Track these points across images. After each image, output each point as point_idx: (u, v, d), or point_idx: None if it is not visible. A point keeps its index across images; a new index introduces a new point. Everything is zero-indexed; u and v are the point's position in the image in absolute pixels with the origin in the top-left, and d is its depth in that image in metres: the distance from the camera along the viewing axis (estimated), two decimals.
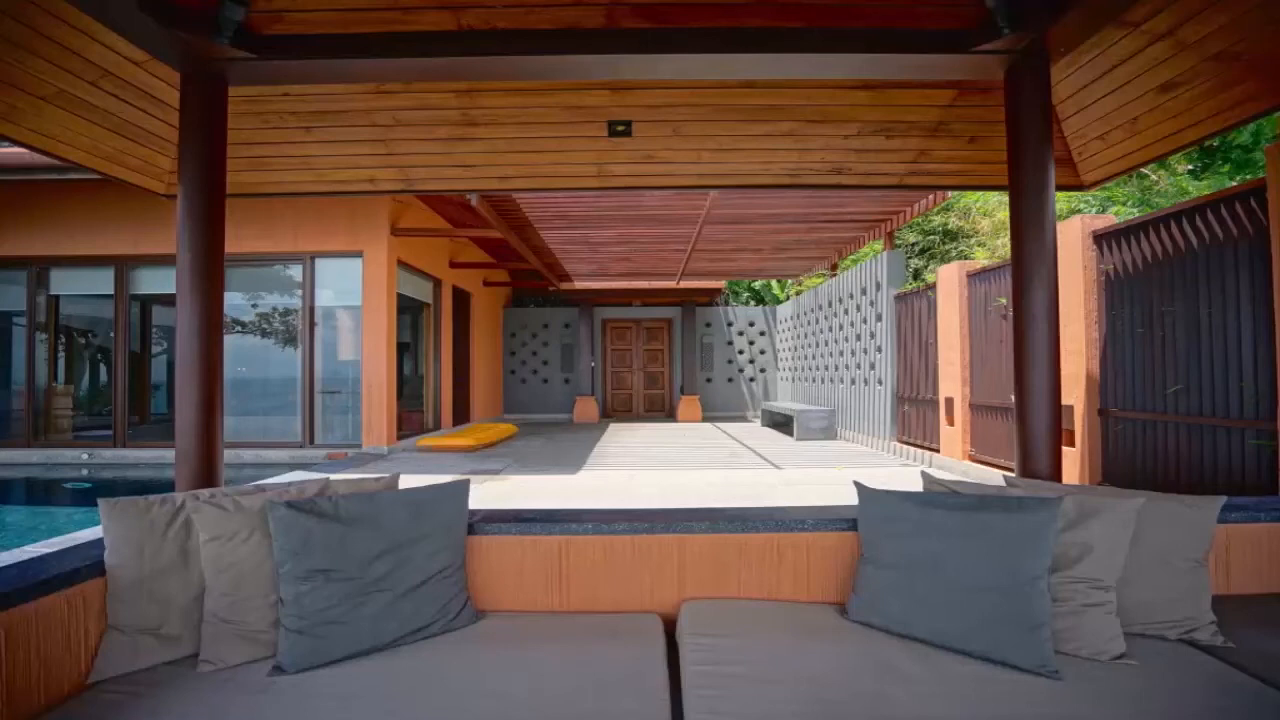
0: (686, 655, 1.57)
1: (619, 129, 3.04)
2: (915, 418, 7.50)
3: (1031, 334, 2.24)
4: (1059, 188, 3.00)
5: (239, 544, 1.60)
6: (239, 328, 8.21)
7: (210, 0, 2.09)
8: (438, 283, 10.09)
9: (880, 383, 8.28)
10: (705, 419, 13.57)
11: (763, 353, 14.37)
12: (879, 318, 8.29)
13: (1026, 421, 2.25)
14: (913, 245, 10.73)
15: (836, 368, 10.01)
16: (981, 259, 8.62)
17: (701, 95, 2.92)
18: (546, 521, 1.93)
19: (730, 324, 14.40)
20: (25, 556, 1.88)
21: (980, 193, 8.99)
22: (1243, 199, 3.55)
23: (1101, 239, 4.61)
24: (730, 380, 14.38)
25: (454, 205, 8.19)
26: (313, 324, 8.10)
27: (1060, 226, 4.81)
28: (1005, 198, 3.25)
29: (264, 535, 1.61)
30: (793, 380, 12.78)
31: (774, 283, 14.88)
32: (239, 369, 8.16)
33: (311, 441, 8.04)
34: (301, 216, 7.96)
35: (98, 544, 1.59)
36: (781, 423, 11.58)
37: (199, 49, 2.15)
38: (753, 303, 15.46)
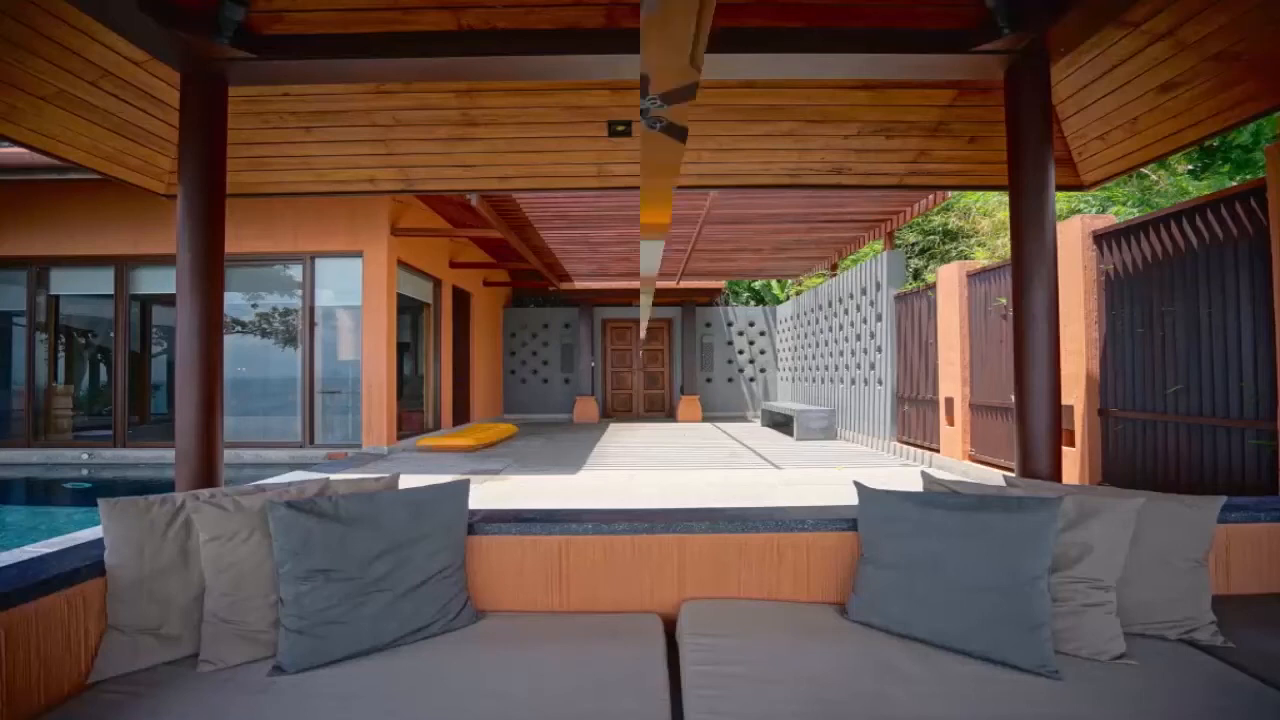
0: (686, 655, 1.57)
1: (619, 129, 3.04)
2: (915, 418, 7.50)
3: (1031, 334, 2.24)
4: (1059, 188, 3.00)
5: (239, 544, 1.60)
6: (239, 328, 8.21)
7: (210, 0, 2.10)
8: (438, 283, 10.08)
9: (880, 383, 8.28)
10: (705, 419, 13.57)
11: (763, 353, 14.36)
12: (879, 318, 8.29)
13: (1026, 421, 2.25)
14: (913, 245, 10.73)
15: (836, 368, 10.01)
16: (981, 259, 8.62)
17: (701, 95, 2.92)
18: (546, 521, 1.93)
19: (730, 324, 14.40)
20: (25, 556, 1.88)
21: (980, 193, 8.99)
22: (1243, 199, 3.55)
23: (1101, 239, 4.61)
24: (730, 380, 14.38)
25: (454, 205, 8.19)
26: (313, 324, 8.10)
27: (1060, 226, 4.81)
28: (1005, 198, 3.25)
29: (264, 535, 1.61)
30: (793, 380, 12.78)
31: (774, 283, 14.88)
32: (239, 369, 8.15)
33: (311, 441, 8.03)
34: (301, 216, 7.96)
35: (98, 544, 1.59)
36: (781, 423, 11.58)
37: (199, 49, 2.16)
38: (753, 303, 15.45)
